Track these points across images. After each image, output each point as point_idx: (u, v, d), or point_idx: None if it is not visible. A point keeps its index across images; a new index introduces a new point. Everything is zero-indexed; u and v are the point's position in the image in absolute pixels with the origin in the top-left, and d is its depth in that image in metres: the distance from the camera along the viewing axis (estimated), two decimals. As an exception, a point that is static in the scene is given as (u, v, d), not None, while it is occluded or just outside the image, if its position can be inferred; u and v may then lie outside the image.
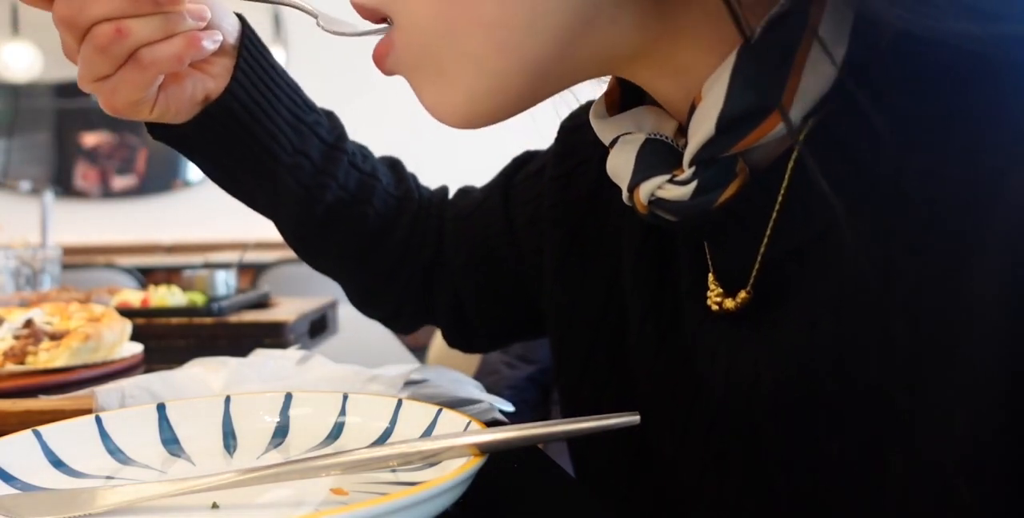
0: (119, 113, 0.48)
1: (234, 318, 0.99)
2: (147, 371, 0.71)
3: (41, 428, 0.43)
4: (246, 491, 0.37)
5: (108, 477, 0.42)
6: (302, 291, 1.93)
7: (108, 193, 3.91)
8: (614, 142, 0.42)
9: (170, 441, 0.46)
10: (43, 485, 0.39)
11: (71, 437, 0.43)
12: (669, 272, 0.47)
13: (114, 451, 0.44)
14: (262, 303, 1.13)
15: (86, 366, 0.74)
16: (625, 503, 0.50)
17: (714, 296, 0.41)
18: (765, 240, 0.38)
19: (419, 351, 1.19)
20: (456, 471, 0.34)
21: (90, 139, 3.89)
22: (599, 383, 0.52)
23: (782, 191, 0.37)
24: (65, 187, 3.84)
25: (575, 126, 0.57)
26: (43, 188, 3.43)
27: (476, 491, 0.37)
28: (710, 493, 0.42)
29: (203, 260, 2.98)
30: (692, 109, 0.37)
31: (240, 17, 0.54)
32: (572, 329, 0.54)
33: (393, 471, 0.40)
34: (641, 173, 0.39)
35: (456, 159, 4.02)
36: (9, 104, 3.83)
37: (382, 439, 0.46)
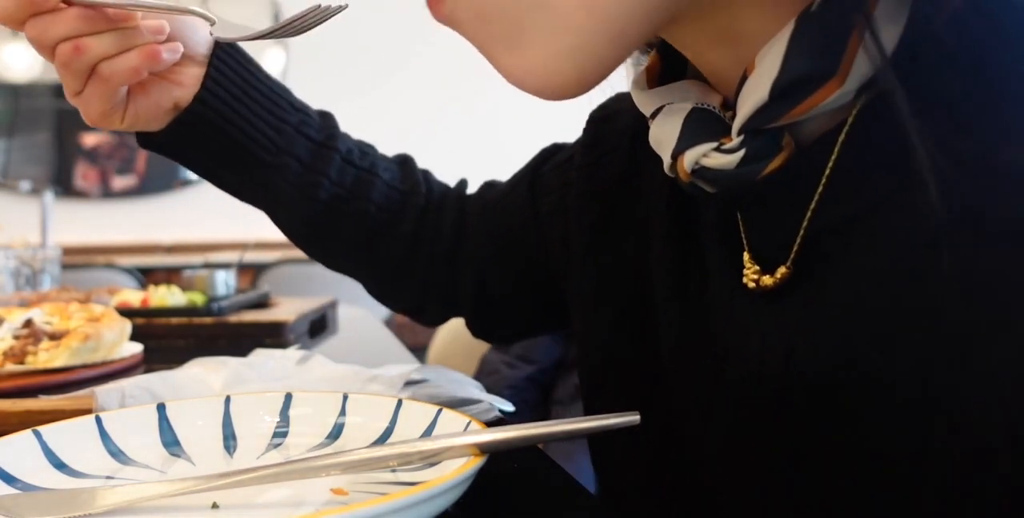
0: (95, 123, 0.51)
1: (234, 318, 0.99)
2: (147, 371, 0.71)
3: (41, 428, 0.43)
4: (246, 491, 0.37)
5: (108, 477, 0.42)
6: (302, 291, 1.93)
7: (108, 193, 3.91)
8: (656, 112, 0.42)
9: (170, 441, 0.46)
10: (43, 485, 0.39)
11: (71, 437, 0.43)
12: (696, 253, 0.47)
13: (114, 451, 0.44)
14: (262, 303, 1.13)
15: (86, 366, 0.74)
16: (647, 489, 0.50)
17: (751, 273, 0.41)
18: (809, 214, 0.38)
19: (419, 351, 1.19)
20: (456, 471, 0.34)
21: (90, 139, 3.89)
22: (622, 367, 0.52)
23: (830, 165, 0.37)
24: (65, 187, 3.84)
25: (604, 117, 0.58)
26: (43, 188, 3.43)
27: (476, 491, 0.37)
28: (735, 473, 0.42)
29: (203, 260, 2.98)
30: (742, 80, 0.37)
31: None
32: (596, 313, 0.54)
33: (393, 471, 0.40)
34: (687, 140, 0.40)
35: (458, 157, 4.03)
36: (9, 104, 3.83)
37: (382, 439, 0.46)
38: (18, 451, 0.41)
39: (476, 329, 0.68)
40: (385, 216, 0.62)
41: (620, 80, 0.45)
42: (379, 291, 0.68)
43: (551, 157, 0.63)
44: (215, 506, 0.36)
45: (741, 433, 0.42)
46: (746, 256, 0.42)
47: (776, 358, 0.39)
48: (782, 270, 0.39)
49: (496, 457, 0.38)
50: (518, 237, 0.62)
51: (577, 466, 1.27)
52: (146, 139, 0.57)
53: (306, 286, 2.58)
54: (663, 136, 0.41)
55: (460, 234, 0.64)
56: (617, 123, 0.57)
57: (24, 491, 0.38)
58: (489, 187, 0.67)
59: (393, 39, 3.89)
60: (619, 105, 0.58)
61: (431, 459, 0.39)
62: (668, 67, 0.44)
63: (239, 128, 0.55)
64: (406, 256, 0.64)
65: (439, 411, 0.45)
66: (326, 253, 0.65)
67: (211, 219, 3.78)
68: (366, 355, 1.01)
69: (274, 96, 0.58)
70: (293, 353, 0.65)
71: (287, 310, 1.05)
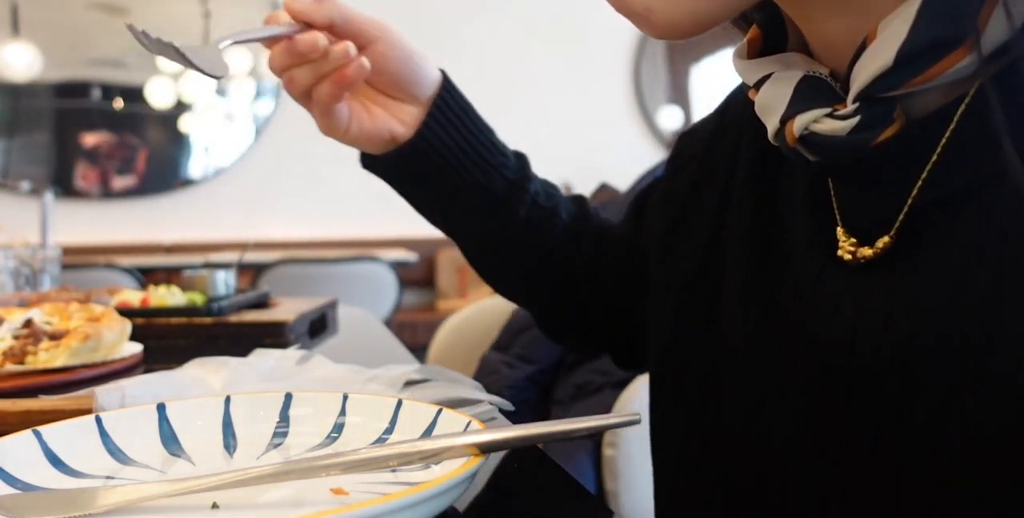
0: (323, 133, 0.58)
1: (234, 318, 0.98)
2: (147, 371, 0.71)
3: (41, 428, 0.43)
4: (246, 491, 0.37)
5: (108, 477, 0.42)
6: (302, 291, 1.93)
7: (108, 193, 3.91)
8: (762, 81, 0.43)
9: (170, 441, 0.46)
10: (43, 485, 0.39)
11: (71, 437, 0.43)
12: (778, 230, 0.47)
13: (114, 451, 0.44)
14: (262, 303, 1.13)
15: (86, 366, 0.74)
16: (709, 495, 0.49)
17: (847, 246, 0.41)
18: (920, 184, 0.38)
19: (419, 351, 1.19)
20: (456, 471, 0.34)
21: (90, 139, 3.89)
22: (687, 349, 0.52)
23: (947, 135, 0.37)
24: (65, 187, 3.84)
25: (689, 131, 0.62)
26: (43, 188, 3.43)
27: (476, 491, 0.37)
28: (810, 463, 0.42)
29: (203, 260, 2.98)
30: (859, 49, 0.38)
31: (443, 72, 0.61)
32: (667, 293, 0.55)
33: (393, 471, 0.40)
34: (799, 104, 0.40)
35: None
36: (9, 104, 3.83)
37: (382, 439, 0.46)
38: (18, 451, 0.41)
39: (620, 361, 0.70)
40: (562, 251, 0.65)
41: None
42: (549, 324, 0.71)
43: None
44: (215, 506, 0.36)
45: (820, 411, 0.41)
46: (839, 230, 0.42)
47: (871, 327, 0.39)
48: (884, 240, 0.39)
49: (496, 457, 0.38)
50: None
51: (577, 466, 1.27)
52: (367, 160, 0.63)
53: (306, 286, 2.58)
54: (772, 101, 0.42)
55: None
56: (697, 132, 0.60)
57: (24, 491, 0.38)
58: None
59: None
60: (702, 123, 0.61)
61: (431, 459, 0.39)
62: (769, 40, 0.45)
63: (450, 165, 0.60)
64: (575, 287, 0.66)
65: (439, 411, 0.45)
66: (504, 282, 0.70)
67: (211, 219, 3.78)
68: (366, 355, 1.01)
69: (482, 137, 0.62)
70: (293, 353, 0.65)
71: (287, 310, 1.05)
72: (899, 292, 0.39)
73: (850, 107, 0.38)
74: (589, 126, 4.13)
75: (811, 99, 0.40)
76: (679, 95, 4.35)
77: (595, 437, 1.28)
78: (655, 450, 0.56)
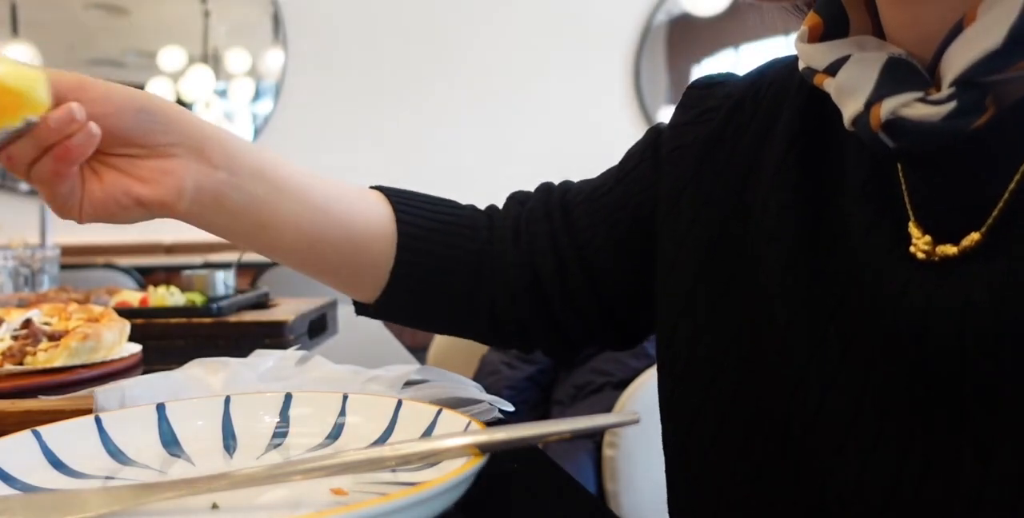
0: (63, 217, 0.49)
1: (233, 318, 0.98)
2: (146, 371, 0.71)
3: (41, 428, 0.43)
4: (246, 491, 0.37)
5: (108, 477, 0.42)
6: (302, 291, 1.92)
7: (107, 193, 3.90)
8: (839, 63, 0.41)
9: (170, 441, 0.46)
10: (42, 485, 0.39)
11: (71, 437, 0.43)
12: (830, 213, 0.45)
13: (114, 451, 0.44)
14: (261, 303, 1.13)
15: (85, 366, 0.74)
16: (726, 453, 0.47)
17: (921, 244, 0.39)
18: (1018, 176, 0.37)
19: (419, 351, 1.19)
20: (456, 471, 0.34)
21: (89, 139, 3.89)
22: (696, 326, 0.50)
23: None
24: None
25: (706, 83, 0.58)
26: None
27: (476, 491, 0.37)
28: (855, 436, 0.40)
29: (202, 260, 2.97)
30: (952, 32, 0.36)
31: (387, 192, 0.59)
32: (674, 270, 0.52)
33: (393, 471, 0.40)
34: (887, 88, 0.38)
35: (463, 150, 4.03)
36: (8, 104, 3.82)
37: (382, 439, 0.46)
38: (17, 451, 0.41)
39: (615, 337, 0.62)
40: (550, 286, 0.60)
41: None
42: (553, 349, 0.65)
43: (660, 134, 0.60)
44: (215, 506, 0.36)
45: (879, 395, 0.40)
46: (912, 225, 0.41)
47: (945, 313, 0.37)
48: (974, 237, 0.38)
49: (496, 457, 0.38)
50: (639, 211, 0.58)
51: (577, 466, 1.27)
52: (361, 310, 0.61)
53: (306, 286, 2.57)
54: (854, 83, 0.40)
55: (554, 241, 0.59)
56: (721, 89, 0.56)
57: (23, 491, 0.38)
58: (577, 184, 0.63)
59: (393, 39, 3.89)
60: (723, 79, 0.57)
61: (431, 459, 0.38)
62: (830, 28, 0.43)
63: (435, 287, 0.58)
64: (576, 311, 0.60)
65: (439, 411, 0.45)
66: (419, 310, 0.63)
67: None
68: (366, 355, 1.01)
69: (449, 220, 0.59)
70: (293, 353, 0.65)
71: (287, 310, 1.05)
72: (981, 278, 0.37)
73: (946, 92, 0.37)
74: (589, 126, 4.13)
75: (900, 82, 0.38)
76: (679, 95, 4.35)
77: (595, 437, 1.28)
78: (667, 427, 0.53)
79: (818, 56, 0.43)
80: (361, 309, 0.62)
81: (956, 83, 0.36)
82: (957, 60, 0.36)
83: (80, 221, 0.49)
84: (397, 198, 0.59)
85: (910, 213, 0.41)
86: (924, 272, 0.39)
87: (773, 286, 0.46)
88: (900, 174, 0.42)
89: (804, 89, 0.48)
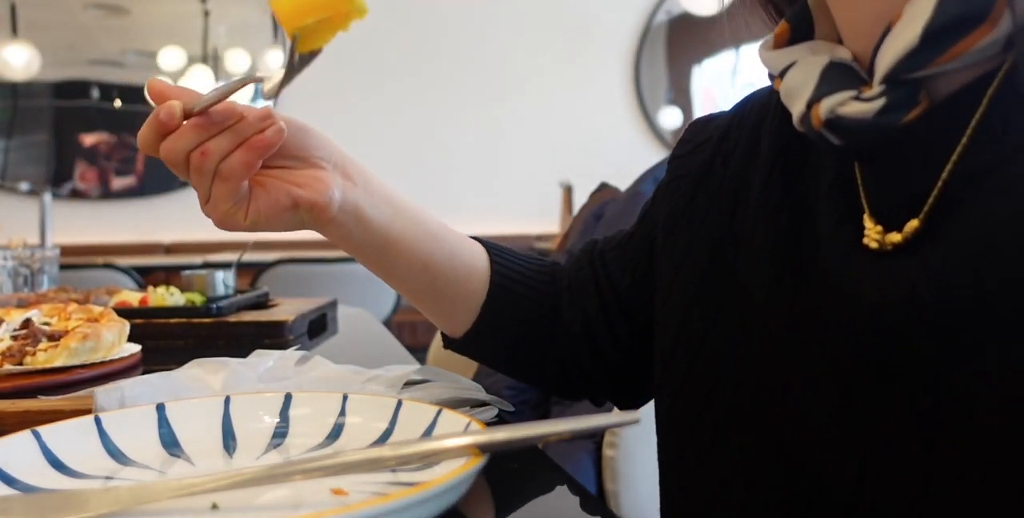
0: (221, 225, 0.53)
1: (233, 318, 0.98)
2: (146, 371, 0.71)
3: (40, 428, 0.43)
4: (246, 491, 0.37)
5: (107, 478, 0.42)
6: (302, 291, 1.92)
7: (107, 193, 3.91)
8: (787, 69, 0.44)
9: (170, 441, 0.46)
10: (42, 486, 0.39)
11: (70, 437, 0.43)
12: (807, 223, 0.47)
13: (113, 452, 0.44)
14: (261, 303, 1.12)
15: (84, 366, 0.74)
16: (722, 457, 0.49)
17: (873, 234, 0.42)
18: (950, 166, 0.39)
19: (419, 351, 1.19)
20: (456, 471, 0.34)
21: (89, 139, 3.89)
22: (692, 345, 0.52)
23: (978, 115, 0.38)
24: (64, 187, 3.84)
25: (705, 119, 0.61)
26: (42, 188, 3.43)
27: (476, 491, 0.37)
28: (838, 433, 0.42)
29: (202, 260, 2.97)
30: (885, 33, 0.39)
31: (480, 241, 0.62)
32: (672, 293, 0.55)
33: (393, 471, 0.40)
34: (824, 88, 0.41)
35: (462, 150, 4.03)
36: (8, 104, 3.82)
37: (382, 439, 0.46)
38: (17, 452, 0.41)
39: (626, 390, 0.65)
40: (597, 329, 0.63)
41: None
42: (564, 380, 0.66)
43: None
44: (215, 506, 0.36)
45: (850, 391, 0.41)
46: (866, 217, 0.43)
47: (895, 303, 0.39)
48: (913, 224, 0.40)
49: (496, 457, 0.38)
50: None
51: (577, 466, 1.26)
52: (448, 343, 0.63)
53: (306, 286, 2.58)
54: (797, 86, 0.43)
55: (599, 293, 0.63)
56: (714, 122, 0.60)
57: (23, 492, 0.38)
58: (611, 235, 0.67)
59: (393, 39, 3.89)
60: (719, 114, 0.60)
61: (431, 459, 0.38)
62: (796, 34, 0.46)
63: (519, 328, 0.61)
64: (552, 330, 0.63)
65: (439, 411, 0.45)
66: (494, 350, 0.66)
67: (210, 219, 3.77)
68: (366, 355, 1.01)
69: (530, 275, 0.62)
70: (292, 353, 0.65)
71: (286, 310, 1.04)
72: (924, 267, 0.39)
73: (876, 89, 0.39)
74: (589, 126, 4.13)
75: (837, 83, 0.41)
76: (679, 95, 4.35)
77: (595, 437, 1.28)
78: (663, 438, 0.55)
79: (773, 62, 0.46)
80: (449, 343, 0.64)
81: (885, 81, 0.39)
82: (883, 59, 0.39)
83: (243, 226, 0.53)
84: (489, 244, 0.64)
85: (865, 206, 0.43)
86: (875, 263, 0.41)
87: (761, 304, 0.48)
88: (856, 169, 0.45)
89: (781, 108, 0.50)
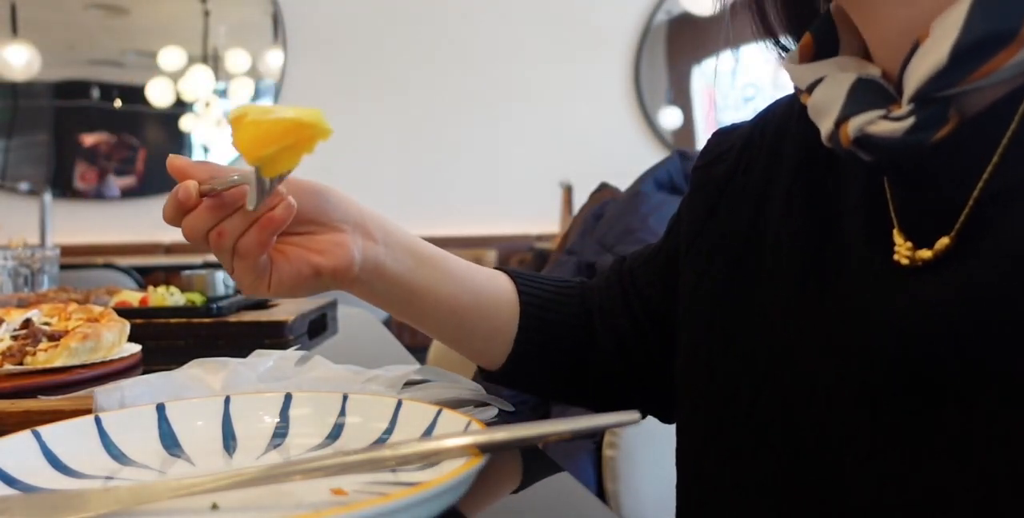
0: (247, 293, 0.55)
1: (233, 318, 0.98)
2: (146, 371, 0.71)
3: (40, 428, 0.43)
4: (246, 491, 0.37)
5: (107, 478, 0.42)
6: (301, 291, 1.92)
7: (107, 193, 3.90)
8: (815, 84, 0.44)
9: (170, 441, 0.46)
10: (42, 486, 0.39)
11: (70, 438, 0.43)
12: (835, 235, 0.47)
13: (113, 452, 0.44)
14: (261, 303, 1.12)
15: (84, 366, 0.74)
16: (739, 468, 0.49)
17: (903, 251, 0.41)
18: (981, 184, 0.38)
19: (419, 351, 1.19)
20: (456, 471, 0.34)
21: (89, 139, 3.88)
22: (713, 354, 0.52)
23: (1009, 133, 0.38)
24: (64, 187, 3.84)
25: (727, 130, 0.61)
26: (42, 188, 3.43)
27: (476, 491, 0.37)
28: (856, 448, 0.42)
29: (202, 260, 2.97)
30: (912, 50, 0.38)
31: (506, 271, 0.62)
32: (694, 302, 0.55)
33: (393, 471, 0.40)
34: (853, 106, 0.41)
35: (462, 150, 4.03)
36: (8, 104, 3.82)
37: (382, 439, 0.46)
38: (17, 452, 0.41)
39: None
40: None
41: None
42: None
43: None
44: (215, 507, 0.36)
45: (875, 404, 0.41)
46: (896, 232, 0.42)
47: (924, 320, 0.39)
48: (944, 241, 0.39)
49: (496, 457, 0.38)
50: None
51: (577, 466, 1.26)
52: (487, 376, 0.63)
53: (305, 286, 2.57)
54: (825, 103, 0.42)
55: (629, 307, 0.63)
56: (736, 131, 0.60)
57: (23, 492, 0.38)
58: (629, 255, 0.67)
59: (393, 39, 3.89)
60: (741, 124, 0.60)
61: (431, 459, 0.38)
62: (821, 47, 0.46)
63: (554, 360, 0.61)
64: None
65: (439, 411, 0.45)
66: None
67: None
68: (366, 355, 1.01)
69: (553, 289, 0.62)
70: (292, 354, 0.65)
71: (286, 310, 1.04)
72: (955, 285, 0.38)
73: (905, 108, 0.39)
74: (589, 126, 4.13)
75: (865, 101, 0.41)
76: (679, 95, 4.35)
77: (595, 437, 1.28)
78: (682, 445, 0.55)
79: (800, 77, 0.45)
80: (487, 376, 0.65)
81: (914, 100, 0.38)
82: (912, 78, 0.38)
83: (268, 293, 0.54)
84: (515, 273, 0.64)
85: (895, 222, 0.43)
86: (905, 279, 0.41)
87: (784, 312, 0.48)
88: (886, 184, 0.44)
89: (804, 117, 0.50)
